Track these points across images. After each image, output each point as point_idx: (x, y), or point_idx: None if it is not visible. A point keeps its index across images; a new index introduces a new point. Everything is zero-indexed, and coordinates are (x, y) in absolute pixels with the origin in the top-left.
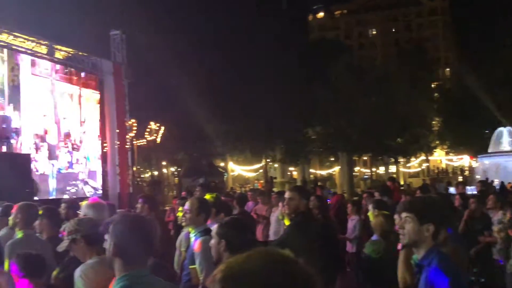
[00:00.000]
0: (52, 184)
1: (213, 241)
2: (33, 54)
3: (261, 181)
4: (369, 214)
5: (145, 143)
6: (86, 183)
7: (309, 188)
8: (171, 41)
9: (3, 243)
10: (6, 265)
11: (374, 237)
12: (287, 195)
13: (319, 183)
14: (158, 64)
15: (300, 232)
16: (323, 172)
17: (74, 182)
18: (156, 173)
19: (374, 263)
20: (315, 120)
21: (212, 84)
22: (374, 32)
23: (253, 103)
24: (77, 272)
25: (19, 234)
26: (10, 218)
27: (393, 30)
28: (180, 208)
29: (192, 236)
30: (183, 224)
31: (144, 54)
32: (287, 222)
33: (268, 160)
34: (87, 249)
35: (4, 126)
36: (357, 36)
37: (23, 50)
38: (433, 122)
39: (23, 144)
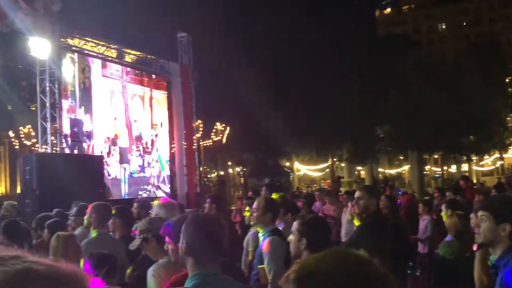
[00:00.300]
0: (124, 188)
1: (293, 238)
2: (104, 58)
3: (328, 181)
4: (443, 214)
5: (211, 143)
6: (158, 187)
7: (378, 188)
8: (237, 42)
9: (78, 242)
10: (81, 264)
11: (448, 238)
12: (356, 194)
13: (389, 183)
14: (223, 65)
15: (371, 233)
16: (392, 171)
17: (145, 187)
18: (222, 173)
19: (448, 264)
20: (383, 118)
21: (278, 83)
22: (444, 27)
23: (320, 102)
24: (150, 272)
25: (93, 233)
26: (85, 217)
27: (464, 24)
28: (247, 208)
29: (261, 235)
30: (251, 223)
31: (210, 56)
32: (357, 223)
33: (335, 159)
34: (158, 248)
35: (75, 129)
36: (426, 31)
37: (94, 54)
38: (508, 118)
39: (95, 148)
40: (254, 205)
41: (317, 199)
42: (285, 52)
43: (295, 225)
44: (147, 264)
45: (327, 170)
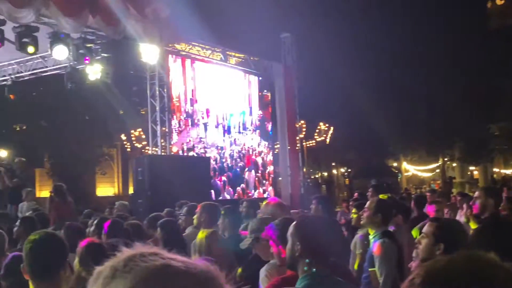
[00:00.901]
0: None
1: (425, 242)
2: (209, 61)
3: (438, 182)
4: None
5: (314, 144)
6: (264, 191)
7: (498, 188)
8: (341, 40)
9: (188, 242)
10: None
11: None
12: (475, 194)
13: (507, 183)
14: (327, 64)
15: (490, 235)
16: (508, 171)
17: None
18: (325, 174)
19: None
20: (499, 115)
21: (383, 80)
22: None
23: (429, 98)
24: (263, 272)
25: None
26: (194, 217)
27: None
28: (354, 210)
29: (371, 237)
30: (361, 223)
31: (314, 55)
32: (473, 226)
33: (445, 159)
34: (270, 249)
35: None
36: None
37: (200, 58)
38: None
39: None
40: (366, 206)
41: (429, 201)
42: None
43: (428, 228)
44: (257, 264)
45: (438, 170)
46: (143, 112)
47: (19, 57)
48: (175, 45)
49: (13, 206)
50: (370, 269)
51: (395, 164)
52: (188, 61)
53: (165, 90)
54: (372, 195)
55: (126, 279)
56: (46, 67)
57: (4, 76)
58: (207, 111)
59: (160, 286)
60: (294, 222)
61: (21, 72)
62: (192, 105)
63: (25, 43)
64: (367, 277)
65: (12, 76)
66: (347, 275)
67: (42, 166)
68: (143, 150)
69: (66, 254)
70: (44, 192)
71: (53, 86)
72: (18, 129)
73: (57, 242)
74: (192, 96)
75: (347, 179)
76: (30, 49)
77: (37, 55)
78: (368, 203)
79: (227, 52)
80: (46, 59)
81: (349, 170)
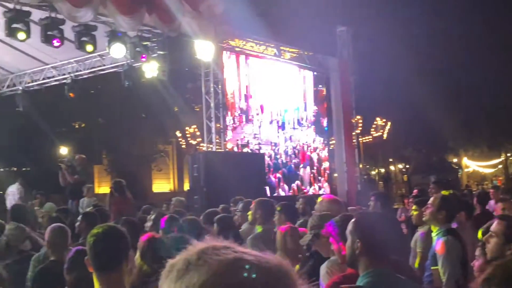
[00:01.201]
0: (286, 188)
1: (495, 240)
2: (263, 57)
3: (500, 178)
4: None
5: (371, 139)
6: (320, 188)
7: None
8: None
9: (244, 238)
10: None
11: None
12: None
13: None
14: (383, 58)
15: None
16: None
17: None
18: (382, 170)
19: None
20: None
21: (442, 73)
22: None
23: (492, 90)
24: (323, 269)
25: (258, 229)
26: (249, 213)
27: None
28: (414, 207)
29: (434, 235)
30: (424, 219)
31: (370, 48)
32: None
33: (508, 154)
34: (330, 245)
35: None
36: None
37: (254, 54)
38: None
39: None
40: (429, 202)
41: (492, 197)
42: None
43: (497, 226)
44: (315, 259)
45: (500, 166)
46: (197, 109)
47: (78, 56)
48: (229, 41)
49: (74, 201)
50: (432, 268)
51: (455, 160)
52: (242, 57)
53: (219, 86)
54: (435, 191)
55: (200, 271)
56: (104, 65)
57: (64, 74)
58: (261, 107)
59: (234, 279)
60: (353, 219)
61: (80, 71)
62: (246, 101)
63: (84, 42)
64: (429, 276)
65: (72, 75)
66: (411, 274)
67: (101, 163)
68: (197, 147)
69: (128, 247)
70: (102, 188)
71: (110, 84)
72: (77, 126)
73: (120, 235)
74: (247, 92)
75: (405, 176)
76: (89, 47)
77: (95, 54)
78: (431, 199)
79: (281, 47)
80: (104, 57)
81: (407, 166)
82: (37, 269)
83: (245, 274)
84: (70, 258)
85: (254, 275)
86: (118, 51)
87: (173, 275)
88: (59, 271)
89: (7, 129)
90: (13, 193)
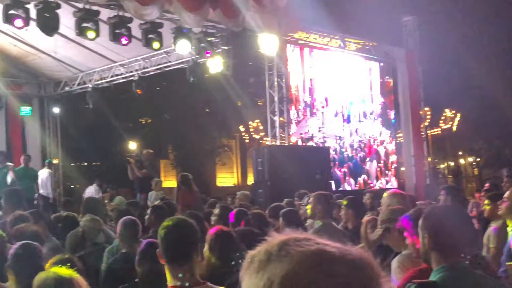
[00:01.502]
0: (351, 183)
1: None
2: (327, 49)
3: None
4: None
5: (440, 132)
6: (387, 182)
7: None
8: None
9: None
10: None
11: None
12: None
13: None
14: (451, 47)
15: None
16: None
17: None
18: (452, 163)
19: None
20: None
21: None
22: None
23: None
24: (395, 263)
25: (318, 223)
26: (308, 207)
27: None
28: (486, 201)
29: (510, 230)
30: (499, 213)
31: (439, 37)
32: None
33: None
34: (402, 239)
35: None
36: None
37: (319, 46)
38: None
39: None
40: (505, 196)
41: None
42: None
43: None
44: (385, 255)
45: None
46: (260, 103)
47: (144, 53)
48: (292, 34)
49: (142, 195)
50: (507, 263)
51: None
52: (306, 50)
53: (283, 80)
54: (510, 185)
55: (282, 262)
56: (170, 62)
57: (131, 72)
58: (326, 100)
59: (317, 270)
60: (423, 214)
61: (147, 68)
62: (311, 94)
63: (150, 39)
64: (504, 272)
65: (139, 72)
66: (489, 269)
67: (166, 157)
68: (260, 141)
69: (198, 239)
70: (168, 182)
71: (175, 80)
72: (143, 122)
73: (190, 228)
74: (311, 85)
75: (475, 169)
76: (156, 44)
77: (161, 51)
78: (507, 193)
79: (346, 39)
80: (169, 54)
81: (478, 159)
82: (109, 261)
83: (328, 266)
84: (141, 250)
85: (336, 267)
86: (184, 48)
87: (254, 266)
88: (131, 263)
89: (78, 126)
90: (90, 193)
